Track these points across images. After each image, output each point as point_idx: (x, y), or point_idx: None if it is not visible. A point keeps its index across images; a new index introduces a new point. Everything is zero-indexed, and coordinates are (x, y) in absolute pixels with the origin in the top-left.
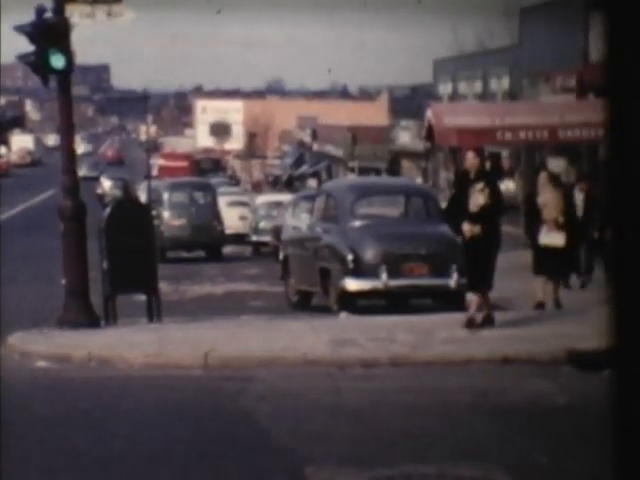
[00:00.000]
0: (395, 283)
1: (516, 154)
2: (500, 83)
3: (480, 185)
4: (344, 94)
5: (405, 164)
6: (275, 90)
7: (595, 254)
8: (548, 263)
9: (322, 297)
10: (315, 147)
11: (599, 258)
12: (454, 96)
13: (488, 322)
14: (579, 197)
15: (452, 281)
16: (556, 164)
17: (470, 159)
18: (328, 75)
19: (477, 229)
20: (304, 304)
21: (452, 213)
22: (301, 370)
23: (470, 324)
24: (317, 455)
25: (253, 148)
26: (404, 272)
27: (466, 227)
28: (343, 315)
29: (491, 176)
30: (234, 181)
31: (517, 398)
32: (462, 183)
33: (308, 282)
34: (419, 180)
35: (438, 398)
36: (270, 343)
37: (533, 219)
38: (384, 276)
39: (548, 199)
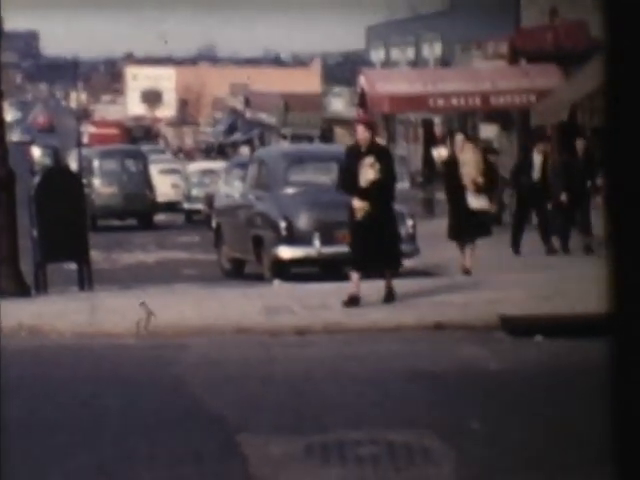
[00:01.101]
0: (328, 250)
1: (449, 121)
2: (432, 49)
3: (370, 159)
4: (277, 61)
5: (338, 131)
6: (207, 57)
7: (561, 219)
8: (470, 227)
9: (255, 265)
10: (248, 114)
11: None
12: (387, 63)
13: (390, 298)
14: (537, 159)
15: None
16: (489, 130)
17: (360, 133)
18: (260, 42)
19: (367, 206)
20: (237, 272)
21: (345, 188)
22: (234, 338)
23: (351, 302)
24: (251, 423)
25: (185, 115)
26: (337, 239)
27: (357, 204)
28: (276, 283)
29: (384, 150)
30: (173, 149)
31: (450, 364)
32: (351, 157)
33: (241, 250)
34: None
35: (371, 365)
36: (203, 311)
37: (451, 183)
38: (317, 243)
39: (467, 160)
